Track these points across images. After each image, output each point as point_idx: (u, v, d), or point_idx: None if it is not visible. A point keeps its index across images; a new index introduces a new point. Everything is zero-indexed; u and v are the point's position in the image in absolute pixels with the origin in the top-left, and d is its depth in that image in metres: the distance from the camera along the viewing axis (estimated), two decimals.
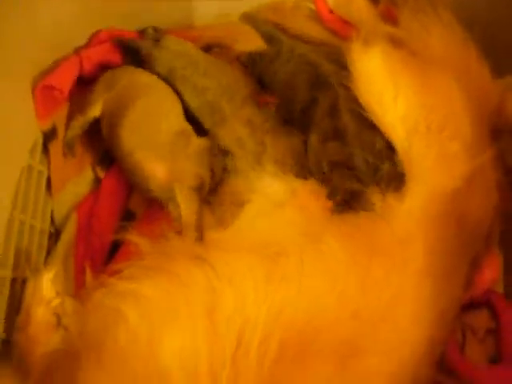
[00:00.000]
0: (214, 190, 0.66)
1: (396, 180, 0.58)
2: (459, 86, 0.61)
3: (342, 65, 0.66)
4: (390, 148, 0.60)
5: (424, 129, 0.58)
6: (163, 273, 0.55)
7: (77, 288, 0.66)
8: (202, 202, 0.65)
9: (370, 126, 0.62)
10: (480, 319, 0.67)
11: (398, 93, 0.60)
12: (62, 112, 0.72)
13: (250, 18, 0.81)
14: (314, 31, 0.78)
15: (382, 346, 0.52)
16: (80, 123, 0.70)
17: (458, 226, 0.59)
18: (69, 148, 0.71)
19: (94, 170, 0.74)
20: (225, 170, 0.67)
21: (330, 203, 0.58)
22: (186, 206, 0.63)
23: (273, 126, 0.70)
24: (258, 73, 0.78)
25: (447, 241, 0.57)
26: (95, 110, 0.70)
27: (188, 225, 0.63)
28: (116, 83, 0.71)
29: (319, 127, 0.65)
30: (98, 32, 0.77)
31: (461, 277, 0.60)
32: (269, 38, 0.78)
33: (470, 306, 0.65)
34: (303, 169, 0.64)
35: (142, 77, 0.73)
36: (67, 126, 0.72)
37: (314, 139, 0.66)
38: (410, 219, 0.56)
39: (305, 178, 0.62)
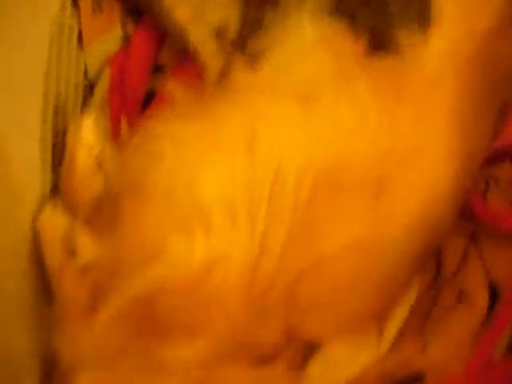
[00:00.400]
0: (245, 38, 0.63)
1: (425, 19, 0.57)
2: None
3: None
4: None
5: None
6: (199, 114, 0.56)
7: (113, 137, 0.68)
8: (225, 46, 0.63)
9: None
10: (504, 170, 0.69)
11: None
12: None
13: None
14: None
15: (410, 186, 0.55)
16: None
17: (489, 70, 0.58)
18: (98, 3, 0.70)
19: (123, 26, 0.74)
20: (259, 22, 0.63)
21: (360, 45, 0.58)
22: (202, 48, 0.63)
23: None
24: None
25: (478, 85, 0.58)
26: None
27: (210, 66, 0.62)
28: None
29: None
30: None
31: (489, 124, 0.61)
32: None
33: (494, 157, 0.67)
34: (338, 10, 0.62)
35: None
36: None
37: None
38: (439, 61, 0.56)
39: (339, 20, 0.61)
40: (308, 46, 0.58)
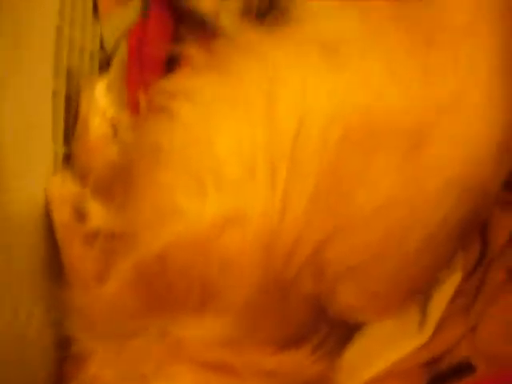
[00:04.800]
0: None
1: None
2: None
3: None
4: None
5: None
6: (215, 70, 0.53)
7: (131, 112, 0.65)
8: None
9: None
10: None
11: None
12: None
13: None
14: None
15: (453, 136, 0.50)
16: None
17: None
18: None
19: None
20: None
21: None
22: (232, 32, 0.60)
23: None
24: None
25: None
26: None
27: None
28: None
29: None
30: None
31: None
32: None
33: None
34: None
35: None
36: None
37: None
38: (470, 9, 0.52)
39: None
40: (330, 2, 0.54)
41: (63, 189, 0.55)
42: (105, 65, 0.69)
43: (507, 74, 0.52)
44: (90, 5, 0.66)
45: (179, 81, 0.55)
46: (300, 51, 0.52)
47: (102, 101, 0.58)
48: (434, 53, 0.50)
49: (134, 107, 0.64)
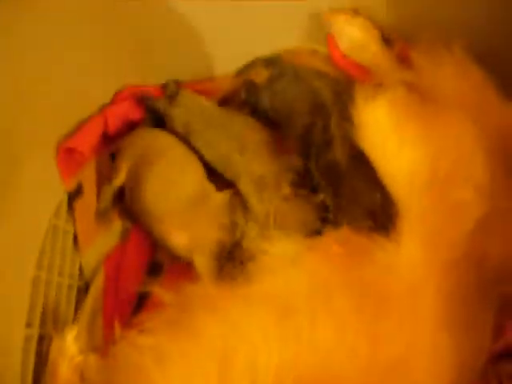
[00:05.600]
0: (235, 246, 0.67)
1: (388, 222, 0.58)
2: (473, 128, 0.59)
3: (339, 91, 0.69)
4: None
5: (429, 180, 0.57)
6: (181, 328, 0.56)
7: (105, 340, 0.68)
8: (221, 262, 0.66)
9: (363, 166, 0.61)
10: None
11: (402, 146, 0.58)
12: (88, 169, 0.75)
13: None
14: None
15: None
16: (109, 193, 0.73)
17: (477, 270, 0.56)
18: (102, 217, 0.74)
19: (121, 220, 0.76)
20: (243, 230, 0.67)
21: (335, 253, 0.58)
22: (204, 273, 0.65)
23: (287, 181, 0.70)
24: (254, 98, 0.78)
25: (465, 286, 0.55)
26: (121, 178, 0.73)
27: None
28: (137, 149, 0.74)
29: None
30: (121, 89, 0.80)
31: (486, 324, 0.57)
32: (270, 63, 0.78)
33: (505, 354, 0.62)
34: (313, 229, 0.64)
35: (160, 140, 0.76)
36: (96, 182, 0.75)
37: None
38: (416, 269, 0.55)
39: (315, 235, 0.62)
40: (286, 261, 0.58)
41: None
42: (83, 292, 0.72)
43: (454, 328, 0.54)
44: (70, 242, 0.71)
45: (149, 334, 0.57)
46: (255, 315, 0.55)
47: (70, 349, 0.60)
48: (381, 318, 0.53)
49: (109, 338, 0.67)
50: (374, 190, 0.61)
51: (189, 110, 0.77)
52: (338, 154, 0.65)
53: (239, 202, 0.70)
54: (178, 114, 0.77)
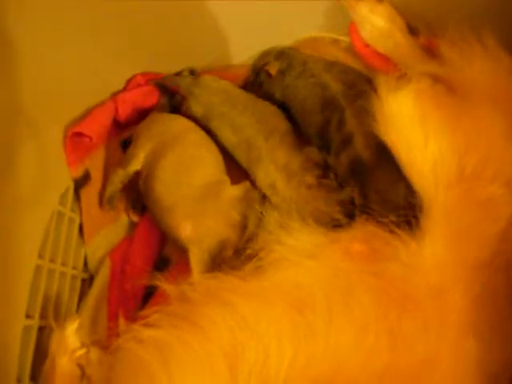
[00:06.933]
0: (243, 249, 0.61)
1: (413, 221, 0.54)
2: (504, 121, 0.56)
3: (350, 82, 0.65)
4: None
5: (455, 174, 0.53)
6: (187, 323, 0.52)
7: (108, 333, 0.65)
8: (224, 262, 0.62)
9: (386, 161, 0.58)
10: None
11: (428, 139, 0.55)
12: (97, 157, 0.72)
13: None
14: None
15: None
16: (121, 178, 0.70)
17: (506, 272, 0.52)
18: (109, 202, 0.71)
19: (127, 214, 0.73)
20: (259, 223, 0.63)
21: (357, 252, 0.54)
22: (196, 268, 0.62)
23: (312, 172, 0.66)
24: (264, 86, 0.75)
25: (493, 289, 0.52)
26: (137, 164, 0.69)
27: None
28: (154, 135, 0.70)
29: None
30: (134, 76, 0.78)
31: None
32: (279, 55, 0.75)
33: None
34: (336, 222, 0.60)
35: (177, 124, 0.72)
36: (104, 171, 0.73)
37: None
38: (441, 266, 0.52)
39: (336, 230, 0.59)
40: (303, 255, 0.55)
41: None
42: (87, 283, 0.70)
43: (481, 333, 0.50)
44: (75, 231, 0.69)
45: (152, 328, 0.53)
46: (267, 311, 0.51)
47: (71, 342, 0.57)
48: (404, 319, 0.50)
49: (113, 331, 0.64)
50: (398, 184, 0.57)
51: (214, 90, 0.74)
52: (360, 149, 0.61)
53: (257, 194, 0.66)
54: (202, 93, 0.73)
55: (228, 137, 0.71)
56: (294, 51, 0.75)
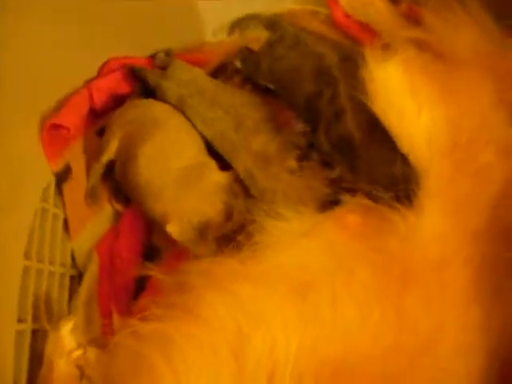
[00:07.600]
0: (231, 237, 0.60)
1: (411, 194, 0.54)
2: (493, 87, 0.55)
3: (345, 56, 0.63)
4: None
5: (450, 143, 0.53)
6: (188, 313, 0.51)
7: (102, 330, 0.63)
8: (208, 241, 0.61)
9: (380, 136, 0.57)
10: None
11: (420, 109, 0.54)
12: (76, 148, 0.70)
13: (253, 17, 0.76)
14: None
15: (421, 381, 0.47)
16: (97, 170, 0.68)
17: (505, 238, 0.52)
18: (91, 197, 0.69)
19: (111, 204, 0.71)
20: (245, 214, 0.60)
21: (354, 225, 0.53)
22: (181, 238, 0.61)
23: (292, 155, 0.64)
24: (252, 67, 0.72)
25: (493, 257, 0.51)
26: (110, 153, 0.67)
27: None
28: (128, 121, 0.68)
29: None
30: (108, 61, 0.74)
31: None
32: (270, 25, 0.72)
33: None
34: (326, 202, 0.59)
35: (154, 111, 0.69)
36: (85, 162, 0.70)
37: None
38: (440, 238, 0.51)
39: (327, 209, 0.57)
40: (298, 236, 0.54)
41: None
42: (76, 281, 0.68)
43: (485, 302, 0.50)
44: (60, 227, 0.66)
45: (151, 321, 0.51)
46: (270, 297, 0.50)
47: (67, 343, 0.56)
48: (407, 295, 0.49)
49: (106, 327, 0.62)
50: (393, 159, 0.56)
51: (182, 82, 0.71)
52: (351, 124, 0.60)
53: (241, 188, 0.65)
54: (170, 87, 0.71)
55: (202, 130, 0.69)
56: (283, 21, 0.73)
